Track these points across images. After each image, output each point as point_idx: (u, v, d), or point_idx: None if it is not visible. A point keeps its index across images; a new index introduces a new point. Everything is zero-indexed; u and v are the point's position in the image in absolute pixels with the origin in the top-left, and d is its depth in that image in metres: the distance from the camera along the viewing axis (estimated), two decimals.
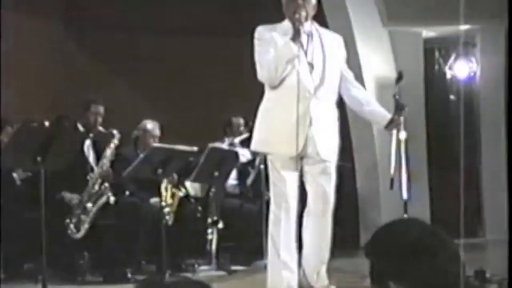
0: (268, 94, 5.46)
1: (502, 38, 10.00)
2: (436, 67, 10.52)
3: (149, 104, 10.57)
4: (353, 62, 5.78)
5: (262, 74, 5.34)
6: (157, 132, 8.17)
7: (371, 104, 5.64)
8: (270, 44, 5.32)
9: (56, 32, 10.91)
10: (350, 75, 5.64)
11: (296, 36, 5.27)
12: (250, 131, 7.61)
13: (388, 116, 5.56)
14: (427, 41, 10.21)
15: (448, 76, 10.48)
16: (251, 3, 10.36)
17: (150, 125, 8.20)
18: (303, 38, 5.35)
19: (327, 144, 5.44)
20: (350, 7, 9.60)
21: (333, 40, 5.59)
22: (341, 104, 5.68)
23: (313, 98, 5.34)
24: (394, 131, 5.71)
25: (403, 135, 5.88)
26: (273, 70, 5.25)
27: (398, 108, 5.63)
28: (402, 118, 5.61)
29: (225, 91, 10.72)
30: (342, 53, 5.63)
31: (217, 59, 10.92)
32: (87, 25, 11.07)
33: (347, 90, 5.59)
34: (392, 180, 5.85)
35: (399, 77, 5.90)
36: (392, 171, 5.83)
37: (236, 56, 9.51)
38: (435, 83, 10.43)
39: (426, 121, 10.14)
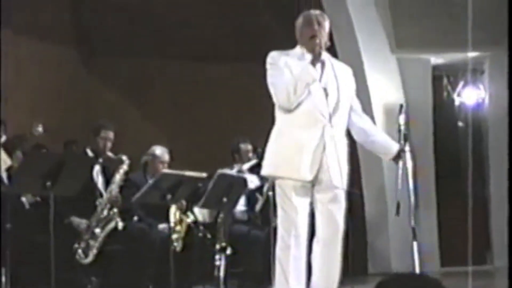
0: (281, 118, 5.41)
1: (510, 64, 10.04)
2: (445, 93, 10.57)
3: (158, 129, 10.62)
4: (361, 89, 5.77)
5: (279, 97, 5.28)
6: (166, 157, 8.23)
7: (377, 136, 5.62)
8: (286, 68, 5.30)
9: (66, 56, 10.99)
10: (358, 106, 5.63)
11: (315, 60, 5.26)
12: (259, 157, 7.69)
13: (395, 148, 5.55)
14: (435, 68, 10.25)
15: (457, 103, 10.51)
16: (260, 29, 10.40)
17: (159, 150, 8.26)
18: (317, 65, 5.32)
19: (339, 171, 5.38)
20: (358, 34, 9.68)
21: (343, 70, 5.57)
22: (349, 131, 5.67)
23: (328, 124, 5.33)
24: (400, 162, 5.64)
25: (409, 164, 5.87)
26: (292, 93, 5.21)
27: (403, 139, 5.66)
28: (407, 149, 5.60)
29: (233, 117, 10.78)
30: (352, 84, 5.62)
31: (226, 85, 10.99)
32: (98, 50, 11.13)
33: (355, 121, 5.57)
34: (398, 206, 5.84)
35: (401, 109, 5.91)
36: (398, 198, 5.81)
37: (245, 82, 9.58)
38: (443, 110, 10.45)
39: (434, 148, 10.13)
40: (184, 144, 10.04)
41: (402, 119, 5.83)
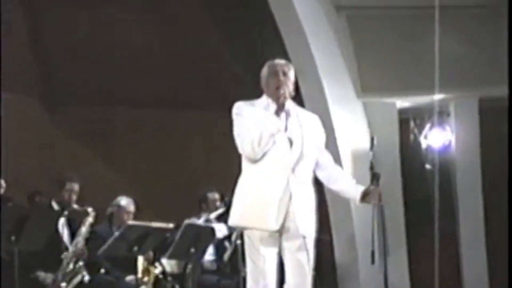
0: (247, 168, 5.43)
1: (475, 106, 10.17)
2: (412, 136, 10.61)
3: (124, 179, 10.64)
4: (328, 134, 5.67)
5: (244, 148, 5.31)
6: (131, 208, 8.27)
7: (344, 181, 5.60)
8: (251, 118, 5.34)
9: (30, 106, 11.01)
10: (329, 160, 5.63)
11: (279, 110, 5.31)
12: (226, 206, 7.69)
13: (361, 189, 5.49)
14: (401, 111, 10.28)
15: (424, 145, 10.53)
16: (227, 77, 10.44)
17: (124, 201, 8.30)
18: (282, 115, 5.36)
19: (306, 219, 5.40)
20: (324, 79, 9.70)
21: (309, 119, 5.60)
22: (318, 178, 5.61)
23: (293, 173, 5.36)
24: (372, 203, 5.53)
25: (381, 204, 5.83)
26: (256, 145, 5.25)
27: (375, 178, 5.55)
28: (379, 189, 5.47)
29: (200, 165, 10.80)
30: (319, 133, 5.63)
31: (192, 133, 11.03)
32: (61, 99, 11.19)
33: (322, 169, 5.59)
34: (373, 254, 5.85)
35: (372, 143, 5.88)
36: (373, 245, 5.78)
37: (212, 131, 9.60)
38: (410, 153, 10.47)
39: (403, 191, 10.14)
40: (151, 194, 10.09)
41: (373, 154, 5.77)
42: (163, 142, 11.11)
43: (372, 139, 5.82)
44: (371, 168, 5.61)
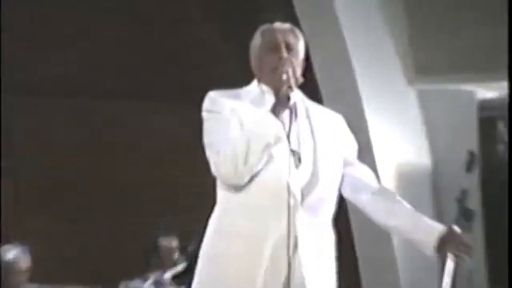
0: (224, 198, 5.29)
1: None
2: (498, 144, 10.78)
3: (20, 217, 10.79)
4: (361, 143, 5.59)
5: (221, 167, 5.16)
6: (25, 263, 8.54)
7: (407, 213, 5.45)
8: (233, 118, 5.26)
9: None
10: (365, 171, 5.49)
11: (280, 105, 5.11)
12: (190, 260, 8.15)
13: (437, 230, 5.30)
14: (483, 105, 10.40)
15: None
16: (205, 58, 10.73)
17: (14, 254, 8.51)
18: (284, 113, 5.14)
19: (319, 278, 5.34)
20: (355, 61, 9.92)
21: (328, 120, 5.40)
22: (338, 210, 5.51)
23: (300, 208, 5.19)
24: (451, 255, 5.34)
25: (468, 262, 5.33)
26: (241, 162, 5.10)
27: (465, 218, 5.63)
28: (470, 236, 5.28)
29: (150, 193, 11.04)
30: (346, 139, 5.47)
31: (135, 137, 11.46)
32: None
33: (362, 193, 5.52)
34: None
35: (471, 161, 5.69)
36: None
37: (170, 132, 9.77)
38: (495, 165, 10.57)
39: (484, 221, 10.31)
40: (63, 239, 10.39)
41: (472, 179, 5.47)
42: (90, 146, 11.43)
43: (472, 155, 5.77)
44: (461, 200, 5.73)
